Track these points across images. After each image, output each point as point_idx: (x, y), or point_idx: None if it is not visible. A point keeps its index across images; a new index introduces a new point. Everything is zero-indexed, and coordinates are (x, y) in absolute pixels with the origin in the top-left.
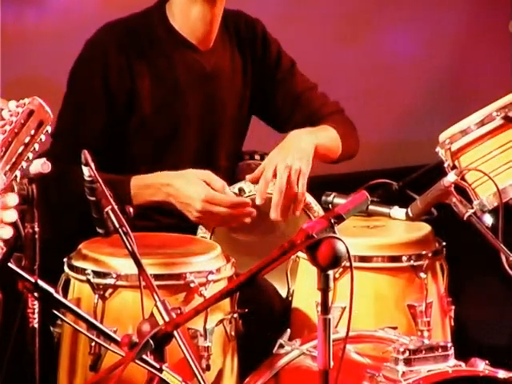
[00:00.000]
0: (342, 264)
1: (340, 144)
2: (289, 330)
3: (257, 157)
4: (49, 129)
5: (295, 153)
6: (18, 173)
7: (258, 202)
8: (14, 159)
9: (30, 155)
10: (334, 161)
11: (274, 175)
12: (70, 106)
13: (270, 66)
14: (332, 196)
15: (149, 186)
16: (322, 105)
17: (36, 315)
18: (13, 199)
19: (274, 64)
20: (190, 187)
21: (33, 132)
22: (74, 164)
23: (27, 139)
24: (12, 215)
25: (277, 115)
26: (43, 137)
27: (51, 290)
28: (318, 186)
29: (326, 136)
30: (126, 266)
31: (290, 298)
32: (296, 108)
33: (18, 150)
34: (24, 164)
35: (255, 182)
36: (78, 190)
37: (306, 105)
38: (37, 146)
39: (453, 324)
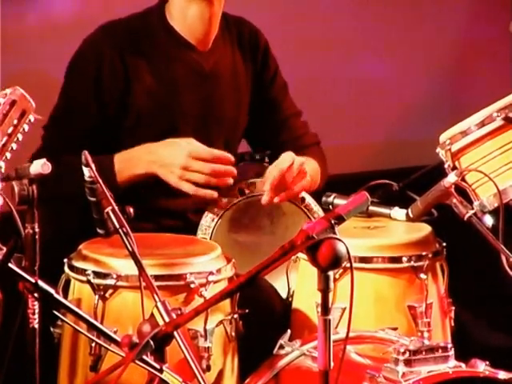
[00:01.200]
0: (343, 265)
1: (319, 175)
2: (289, 331)
3: (257, 157)
4: (31, 118)
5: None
6: (2, 164)
7: (267, 187)
8: None
9: (14, 145)
10: (311, 191)
11: (291, 165)
12: (62, 99)
13: (265, 82)
14: (332, 197)
15: (131, 158)
16: (304, 134)
17: (36, 316)
18: None
19: (269, 81)
20: (174, 147)
21: (15, 122)
22: (63, 153)
23: (10, 129)
24: None
25: (260, 134)
26: (26, 126)
27: (51, 290)
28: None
29: (312, 168)
30: (127, 267)
31: (290, 299)
32: (280, 131)
33: (2, 141)
34: (8, 155)
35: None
36: (70, 175)
37: (290, 130)
38: (20, 136)
39: (453, 325)
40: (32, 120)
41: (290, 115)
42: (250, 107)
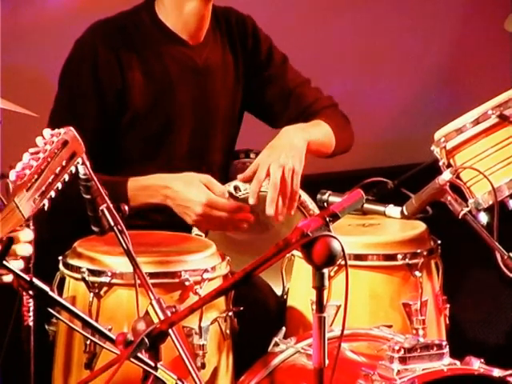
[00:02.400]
0: (337, 262)
1: (333, 138)
2: (284, 329)
3: (252, 155)
4: (80, 161)
5: (288, 151)
6: (46, 202)
7: (252, 201)
8: (43, 188)
9: (60, 185)
10: (328, 155)
11: (267, 175)
12: (61, 106)
13: (261, 62)
14: (327, 194)
15: (146, 187)
16: (316, 100)
17: (31, 313)
18: (28, 235)
19: (265, 60)
20: (191, 190)
21: (64, 163)
22: None
23: (58, 169)
24: (26, 249)
25: (269, 111)
26: (73, 168)
27: (46, 288)
28: (313, 184)
29: (319, 131)
30: (121, 264)
31: (285, 297)
32: (288, 104)
33: (49, 179)
34: (53, 193)
35: (247, 181)
36: (72, 190)
37: (298, 100)
38: (67, 177)
39: (448, 322)
40: (80, 163)
41: (297, 85)
42: (256, 90)
